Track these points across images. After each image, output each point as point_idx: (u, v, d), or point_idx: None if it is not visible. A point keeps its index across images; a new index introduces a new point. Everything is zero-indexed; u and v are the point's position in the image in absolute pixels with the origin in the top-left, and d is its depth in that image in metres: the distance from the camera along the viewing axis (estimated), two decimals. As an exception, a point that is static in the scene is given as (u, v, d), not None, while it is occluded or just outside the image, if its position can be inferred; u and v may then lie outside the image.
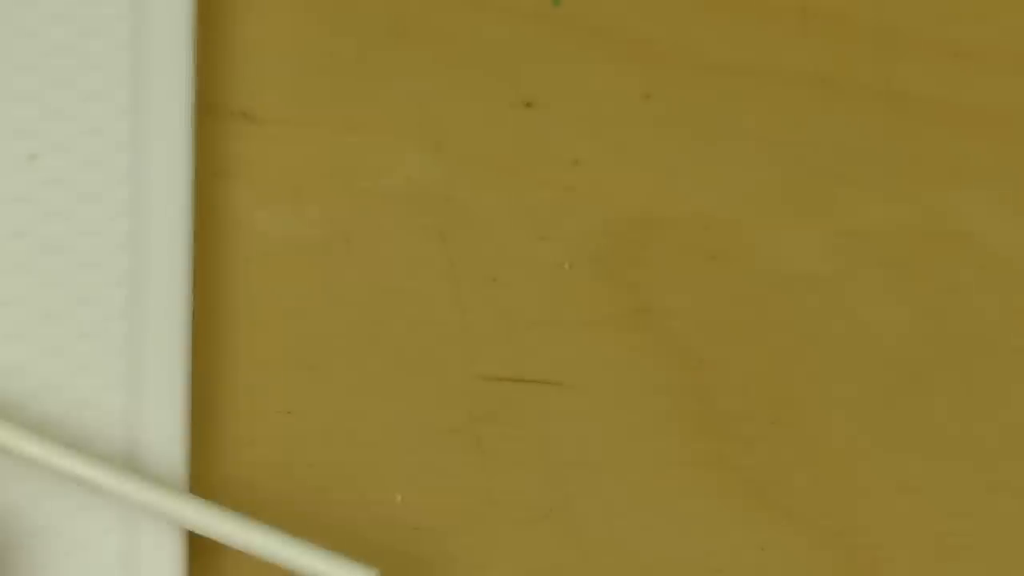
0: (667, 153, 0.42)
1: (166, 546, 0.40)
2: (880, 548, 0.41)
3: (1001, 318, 0.43)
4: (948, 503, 0.41)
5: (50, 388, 0.40)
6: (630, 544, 0.41)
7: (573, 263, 0.42)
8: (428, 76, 0.43)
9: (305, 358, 0.42)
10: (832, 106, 0.43)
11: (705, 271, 0.42)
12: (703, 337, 0.42)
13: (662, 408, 0.41)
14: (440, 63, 0.43)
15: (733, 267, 0.42)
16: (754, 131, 0.42)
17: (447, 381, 0.42)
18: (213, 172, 0.42)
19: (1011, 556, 0.41)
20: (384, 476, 0.41)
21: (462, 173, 0.42)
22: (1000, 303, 0.43)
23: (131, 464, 0.40)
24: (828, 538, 0.41)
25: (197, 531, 0.40)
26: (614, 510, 0.41)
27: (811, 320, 0.42)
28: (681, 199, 0.43)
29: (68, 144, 0.41)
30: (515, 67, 0.43)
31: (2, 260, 0.40)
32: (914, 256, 0.43)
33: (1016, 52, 0.43)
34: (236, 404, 0.41)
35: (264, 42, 0.42)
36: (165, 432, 0.40)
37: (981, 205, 0.43)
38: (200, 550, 0.41)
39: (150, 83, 0.40)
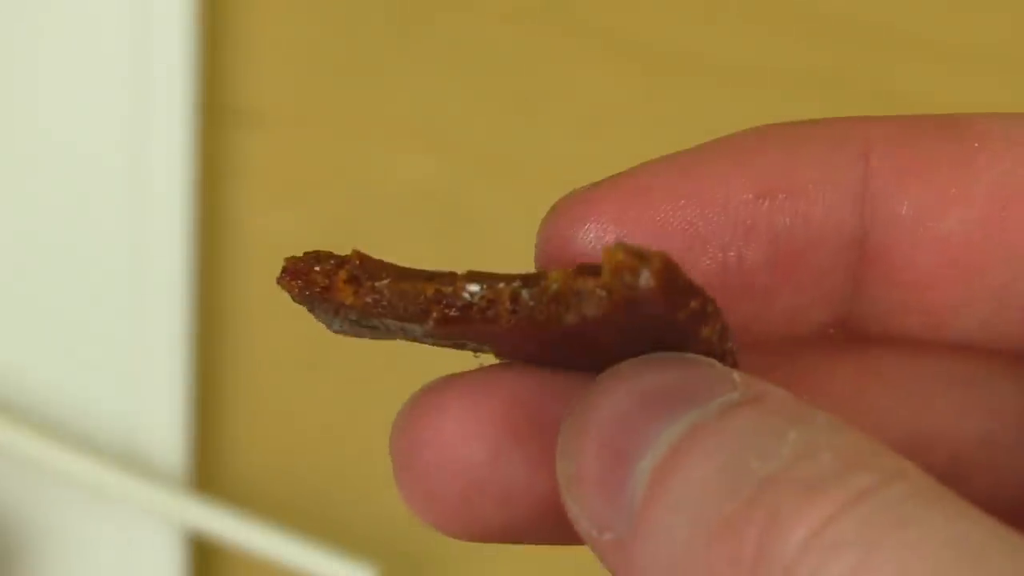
0: (667, 153, 0.42)
1: (166, 546, 0.40)
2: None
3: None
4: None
5: (51, 389, 0.40)
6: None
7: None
8: (428, 76, 0.43)
9: (305, 358, 0.42)
10: (832, 106, 0.43)
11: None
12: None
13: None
14: (440, 63, 0.43)
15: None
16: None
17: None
18: (214, 172, 0.42)
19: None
20: (384, 476, 0.41)
21: (462, 173, 0.42)
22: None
23: (131, 464, 0.40)
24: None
25: (198, 530, 0.40)
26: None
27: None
28: (681, 199, 0.42)
29: (69, 144, 0.41)
30: (515, 67, 0.43)
31: (2, 260, 0.41)
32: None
33: (1016, 52, 0.43)
34: (236, 404, 0.41)
35: (266, 43, 0.42)
36: (165, 432, 0.40)
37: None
38: (200, 549, 0.41)
39: (151, 83, 0.40)
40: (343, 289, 0.19)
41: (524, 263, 0.45)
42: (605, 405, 0.18)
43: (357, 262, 0.19)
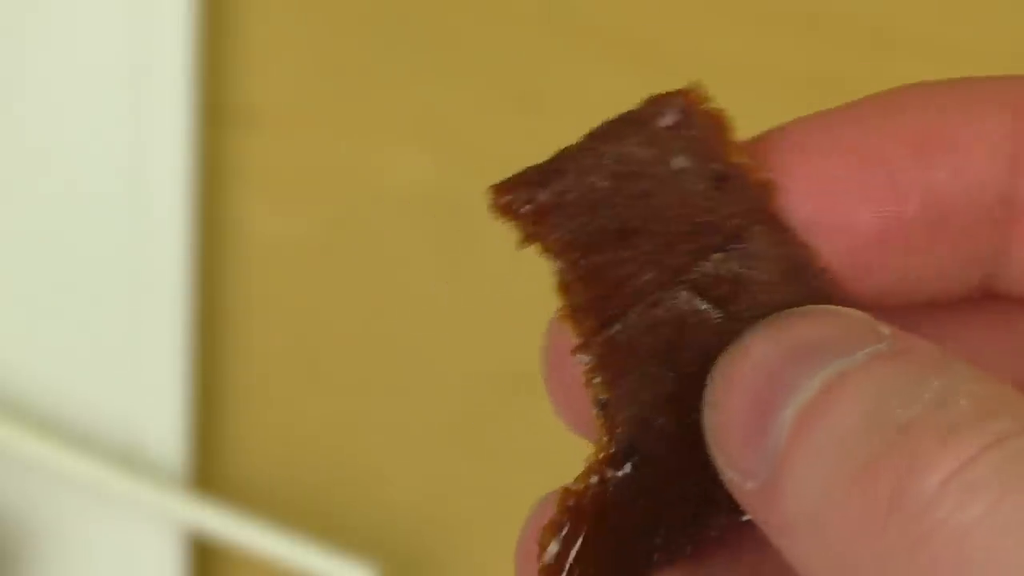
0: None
1: (167, 545, 0.40)
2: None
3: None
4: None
5: (51, 389, 0.40)
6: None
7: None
8: (429, 76, 0.43)
9: (305, 358, 0.42)
10: (832, 106, 0.43)
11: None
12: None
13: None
14: (440, 64, 0.43)
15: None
16: (754, 131, 0.42)
17: (447, 380, 0.42)
18: (214, 172, 0.42)
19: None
20: (384, 476, 0.41)
21: (462, 173, 0.42)
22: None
23: (131, 464, 0.40)
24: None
25: (198, 529, 0.40)
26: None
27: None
28: (681, 199, 0.42)
29: (69, 144, 0.41)
30: (515, 67, 0.43)
31: (3, 261, 0.41)
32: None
33: (1016, 52, 0.43)
34: (236, 404, 0.41)
35: (265, 42, 0.42)
36: (165, 432, 0.40)
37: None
38: (200, 549, 0.41)
39: (150, 83, 0.40)
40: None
41: (524, 263, 0.45)
42: (752, 355, 0.18)
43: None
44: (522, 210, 0.21)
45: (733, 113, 0.21)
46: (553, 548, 0.19)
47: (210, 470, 0.41)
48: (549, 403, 0.23)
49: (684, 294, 0.19)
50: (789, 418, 0.17)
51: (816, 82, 0.43)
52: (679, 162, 0.20)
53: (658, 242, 0.20)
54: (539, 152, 0.48)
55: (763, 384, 0.18)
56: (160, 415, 0.40)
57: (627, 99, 0.46)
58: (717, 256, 0.19)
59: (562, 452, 0.44)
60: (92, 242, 0.41)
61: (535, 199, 0.21)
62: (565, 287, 0.20)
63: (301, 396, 0.42)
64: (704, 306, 0.19)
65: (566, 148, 0.21)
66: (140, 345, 0.40)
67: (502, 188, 0.21)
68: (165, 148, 0.40)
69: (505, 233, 0.44)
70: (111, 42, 0.41)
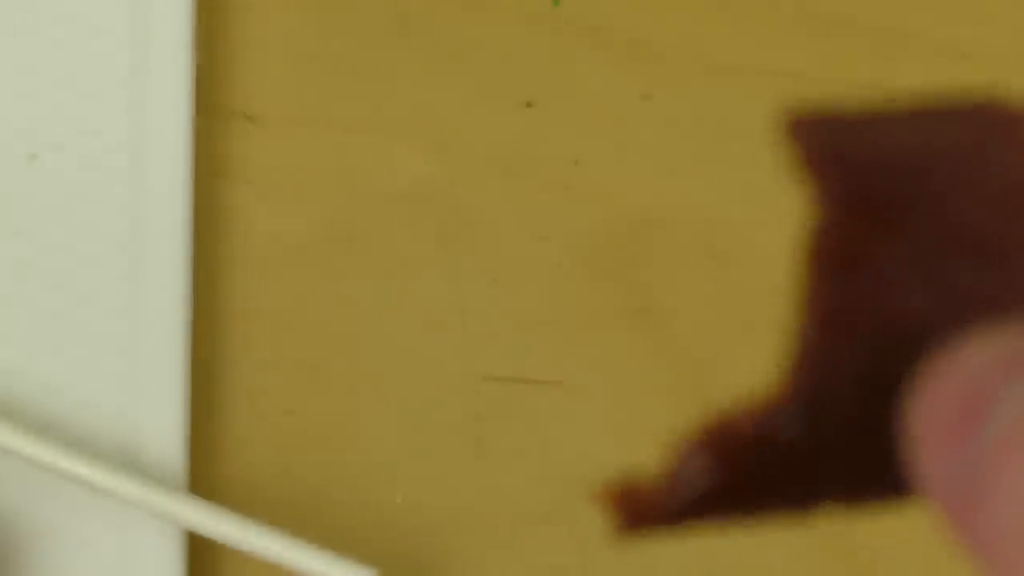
0: (667, 153, 0.42)
1: (166, 546, 0.40)
2: (881, 550, 0.41)
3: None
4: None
5: (50, 388, 0.40)
6: (629, 544, 0.41)
7: (573, 263, 0.42)
8: (428, 76, 0.43)
9: (305, 358, 0.42)
10: (831, 106, 0.43)
11: (705, 271, 0.42)
12: (703, 337, 0.42)
13: (662, 408, 0.41)
14: (440, 63, 0.43)
15: (733, 267, 0.42)
16: (754, 131, 0.42)
17: (447, 381, 0.42)
18: (213, 172, 0.42)
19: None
20: (384, 476, 0.41)
21: (462, 173, 0.42)
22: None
23: (131, 464, 0.40)
24: (829, 539, 0.41)
25: (197, 531, 0.40)
26: (614, 510, 0.41)
27: (811, 320, 0.42)
28: (681, 199, 0.43)
29: (68, 144, 0.41)
30: (515, 67, 0.43)
31: (2, 260, 0.41)
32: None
33: (1016, 52, 0.43)
34: (236, 404, 0.41)
35: (264, 42, 0.42)
36: (165, 432, 0.40)
37: (981, 205, 0.43)
38: (200, 550, 0.41)
39: (150, 83, 0.40)
40: None
41: (523, 263, 0.45)
42: (972, 352, 0.17)
43: None
44: (817, 147, 0.19)
45: (733, 113, 0.21)
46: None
47: (209, 471, 0.41)
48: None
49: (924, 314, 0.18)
50: (1006, 417, 0.16)
51: (816, 82, 0.43)
52: (992, 162, 0.18)
53: (933, 238, 0.18)
54: (539, 152, 0.48)
55: (980, 381, 0.17)
56: (160, 415, 0.40)
57: (627, 99, 0.46)
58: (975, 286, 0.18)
59: (562, 453, 0.44)
60: (91, 241, 0.40)
61: (837, 142, 0.19)
62: (819, 238, 0.19)
63: (301, 396, 0.42)
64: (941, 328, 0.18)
65: (886, 109, 0.19)
66: (139, 345, 0.40)
67: (809, 122, 0.19)
68: (164, 147, 0.40)
69: (505, 233, 0.45)
70: (111, 41, 0.41)
